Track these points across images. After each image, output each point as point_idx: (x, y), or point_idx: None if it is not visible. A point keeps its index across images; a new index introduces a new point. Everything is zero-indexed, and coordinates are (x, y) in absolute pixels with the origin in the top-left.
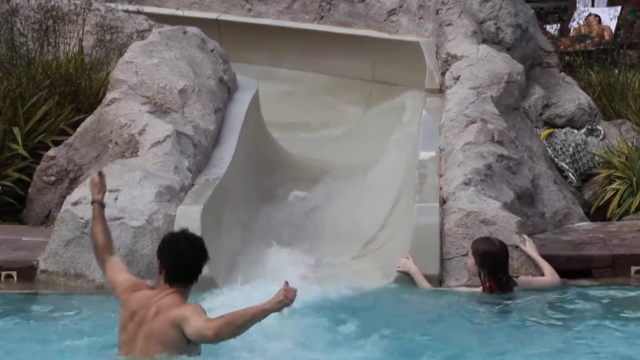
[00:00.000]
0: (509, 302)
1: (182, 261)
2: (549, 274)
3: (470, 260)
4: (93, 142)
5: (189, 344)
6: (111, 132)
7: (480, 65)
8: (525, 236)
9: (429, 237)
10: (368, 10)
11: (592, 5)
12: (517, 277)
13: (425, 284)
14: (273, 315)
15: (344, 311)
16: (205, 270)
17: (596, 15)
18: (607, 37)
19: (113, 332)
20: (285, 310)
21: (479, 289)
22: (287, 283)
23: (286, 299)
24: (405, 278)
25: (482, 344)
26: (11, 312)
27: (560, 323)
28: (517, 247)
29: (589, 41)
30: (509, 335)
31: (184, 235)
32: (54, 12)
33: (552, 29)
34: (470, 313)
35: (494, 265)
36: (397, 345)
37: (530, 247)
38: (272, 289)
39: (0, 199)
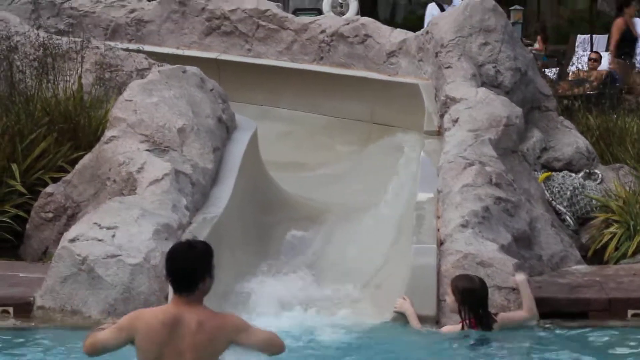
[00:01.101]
0: (489, 342)
1: (178, 267)
2: (526, 309)
3: (450, 298)
4: (91, 179)
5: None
6: (109, 170)
7: (479, 108)
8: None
9: (426, 278)
10: (367, 52)
11: (591, 50)
12: (496, 314)
13: (417, 325)
14: None
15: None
16: None
17: (597, 53)
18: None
19: None
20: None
21: (459, 327)
22: None
23: None
24: (402, 318)
25: None
26: (8, 347)
27: None
28: (513, 289)
29: (587, 85)
30: None
31: (184, 242)
32: (54, 50)
33: (551, 72)
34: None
35: (474, 303)
36: None
37: (522, 279)
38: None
39: None
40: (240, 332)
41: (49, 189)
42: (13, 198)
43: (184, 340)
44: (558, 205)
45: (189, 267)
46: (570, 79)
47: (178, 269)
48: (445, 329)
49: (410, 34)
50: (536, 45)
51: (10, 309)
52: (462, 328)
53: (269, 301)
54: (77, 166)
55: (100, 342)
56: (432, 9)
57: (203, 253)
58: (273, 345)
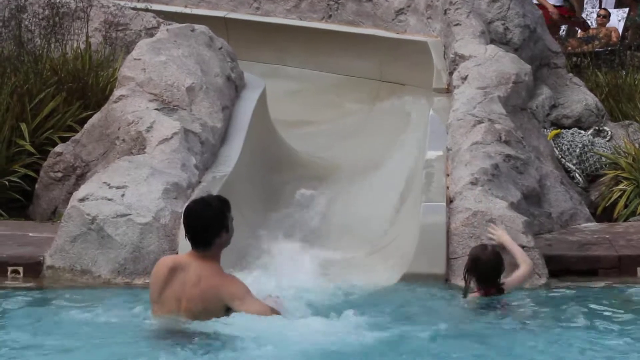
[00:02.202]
0: (502, 306)
1: (195, 224)
2: (523, 263)
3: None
4: (100, 138)
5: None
6: (118, 129)
7: (488, 66)
8: (492, 225)
9: (436, 237)
10: (376, 10)
11: (600, 7)
12: (502, 283)
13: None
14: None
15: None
16: None
17: (606, 10)
18: (614, 39)
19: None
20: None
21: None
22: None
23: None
24: (411, 277)
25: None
26: (19, 306)
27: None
28: (523, 247)
29: (596, 42)
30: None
31: (199, 200)
32: (62, 9)
33: (560, 29)
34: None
35: (480, 274)
36: (398, 340)
37: (502, 233)
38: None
39: (7, 195)
40: (235, 300)
41: (58, 149)
42: (22, 158)
43: (183, 287)
44: (567, 163)
45: (204, 225)
46: (579, 36)
47: (193, 226)
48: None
49: None
50: None
51: (20, 269)
52: (483, 295)
53: (278, 261)
54: (86, 125)
55: None
56: None
57: (218, 209)
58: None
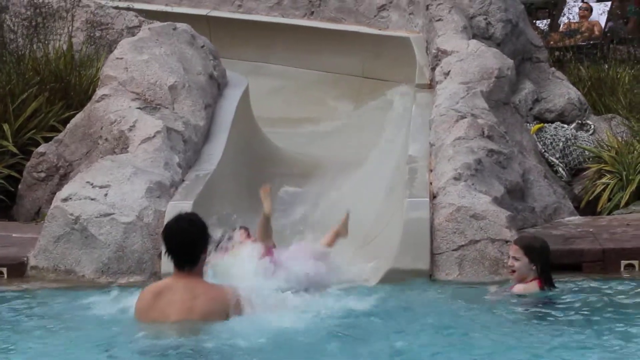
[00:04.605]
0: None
1: (181, 241)
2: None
3: (519, 261)
4: (83, 138)
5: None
6: (101, 129)
7: (471, 61)
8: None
9: (420, 232)
10: (358, 6)
11: (582, 1)
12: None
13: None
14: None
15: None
16: None
17: (588, 4)
18: (596, 32)
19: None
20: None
21: (535, 286)
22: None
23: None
24: (395, 273)
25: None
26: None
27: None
28: (507, 242)
29: (578, 36)
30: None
31: (180, 217)
32: (44, 9)
33: (542, 24)
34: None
35: (547, 261)
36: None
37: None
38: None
39: None
40: (231, 307)
41: (41, 149)
42: (5, 158)
43: (172, 307)
44: (551, 157)
45: (190, 241)
46: (561, 30)
47: (180, 244)
48: (518, 288)
49: None
50: None
51: (4, 270)
52: (542, 288)
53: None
54: (69, 125)
55: None
56: None
57: (201, 224)
58: None
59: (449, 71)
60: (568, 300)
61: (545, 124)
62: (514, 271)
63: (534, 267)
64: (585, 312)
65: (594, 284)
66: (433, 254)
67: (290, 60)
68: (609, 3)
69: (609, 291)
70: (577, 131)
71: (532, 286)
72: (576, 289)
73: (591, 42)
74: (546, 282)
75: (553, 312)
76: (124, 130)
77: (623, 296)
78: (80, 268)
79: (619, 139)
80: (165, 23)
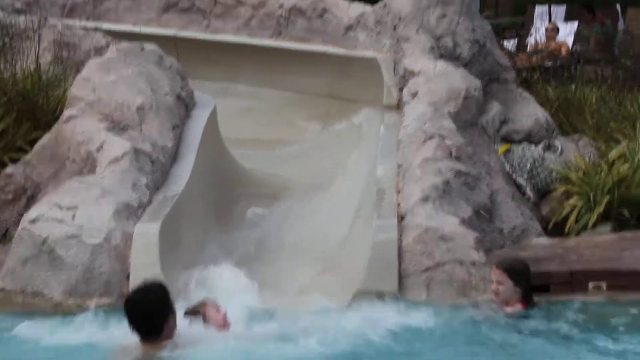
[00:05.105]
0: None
1: (139, 312)
2: None
3: (503, 284)
4: (51, 159)
5: None
6: (69, 150)
7: (438, 81)
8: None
9: (387, 254)
10: (326, 27)
11: (549, 21)
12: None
13: None
14: None
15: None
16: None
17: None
18: (564, 53)
19: None
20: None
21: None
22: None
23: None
24: (363, 294)
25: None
26: None
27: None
28: (474, 263)
29: (544, 54)
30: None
31: (138, 288)
32: (11, 29)
33: (510, 44)
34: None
35: (529, 282)
36: None
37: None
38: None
39: None
40: None
41: (8, 170)
42: None
43: None
44: (518, 178)
45: (146, 312)
46: (528, 50)
47: (139, 316)
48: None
49: (368, 7)
50: None
51: None
52: (525, 308)
53: (229, 282)
54: (36, 146)
55: None
56: None
57: (159, 295)
58: None
59: (417, 92)
60: (554, 318)
61: (513, 145)
62: (497, 294)
63: (518, 290)
64: (575, 330)
65: (567, 305)
66: (401, 275)
67: (259, 81)
68: (576, 23)
69: (581, 311)
70: (544, 152)
71: (517, 308)
72: (554, 309)
73: (558, 62)
74: (529, 302)
75: (541, 329)
76: (92, 151)
77: (597, 316)
78: (49, 290)
79: (587, 159)
80: (133, 43)
